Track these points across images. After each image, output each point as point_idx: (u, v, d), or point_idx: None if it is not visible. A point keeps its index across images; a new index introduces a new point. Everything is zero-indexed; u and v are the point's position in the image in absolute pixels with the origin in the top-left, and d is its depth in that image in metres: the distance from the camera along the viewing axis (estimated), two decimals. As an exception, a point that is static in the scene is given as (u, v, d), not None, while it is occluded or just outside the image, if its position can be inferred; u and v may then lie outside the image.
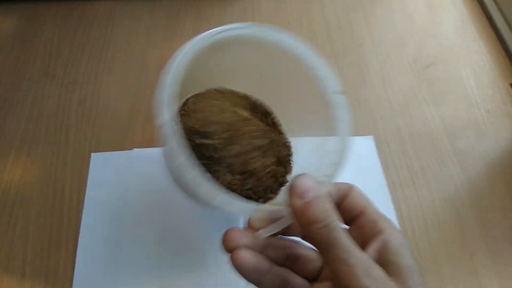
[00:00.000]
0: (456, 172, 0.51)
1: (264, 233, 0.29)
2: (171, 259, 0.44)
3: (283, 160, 0.41)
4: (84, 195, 0.47)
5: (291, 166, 0.42)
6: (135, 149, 0.51)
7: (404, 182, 0.50)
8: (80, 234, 0.45)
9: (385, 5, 0.68)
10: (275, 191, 0.40)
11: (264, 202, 0.39)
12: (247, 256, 0.28)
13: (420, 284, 0.26)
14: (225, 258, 0.44)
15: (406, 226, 0.47)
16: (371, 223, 0.29)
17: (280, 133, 0.43)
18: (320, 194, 0.26)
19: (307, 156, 0.40)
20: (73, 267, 0.43)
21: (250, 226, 0.30)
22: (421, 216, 0.48)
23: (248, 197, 0.38)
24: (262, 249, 0.29)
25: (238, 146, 0.38)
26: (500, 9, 0.67)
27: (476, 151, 0.53)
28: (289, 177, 0.41)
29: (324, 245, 0.26)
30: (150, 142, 0.51)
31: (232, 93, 0.43)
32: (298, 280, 0.30)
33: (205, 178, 0.28)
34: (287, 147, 0.43)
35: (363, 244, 0.28)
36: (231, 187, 0.37)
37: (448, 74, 0.60)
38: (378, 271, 0.25)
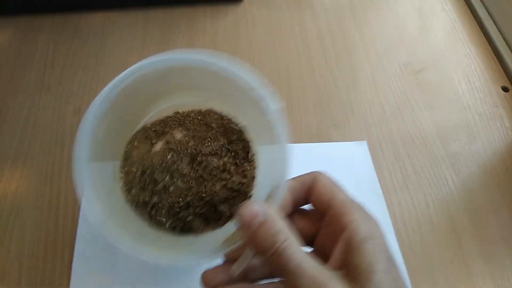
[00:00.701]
0: (449, 175, 0.51)
1: (237, 269, 0.29)
2: (168, 269, 0.44)
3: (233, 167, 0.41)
4: (79, 205, 0.48)
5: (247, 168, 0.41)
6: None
7: (398, 186, 0.50)
8: (76, 245, 0.45)
9: (376, 12, 0.69)
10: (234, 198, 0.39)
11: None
12: None
13: (385, 283, 0.24)
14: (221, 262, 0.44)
15: (400, 229, 0.47)
16: (336, 219, 0.28)
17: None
18: (265, 216, 0.26)
19: (264, 163, 0.40)
20: (69, 278, 0.43)
21: (225, 257, 0.31)
22: (415, 219, 0.48)
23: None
24: (244, 276, 0.30)
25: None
26: (490, 14, 0.67)
27: (468, 154, 0.53)
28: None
29: (279, 272, 0.26)
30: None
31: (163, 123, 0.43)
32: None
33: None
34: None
35: (333, 242, 0.27)
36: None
37: (440, 78, 0.61)
38: None
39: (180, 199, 0.38)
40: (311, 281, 0.24)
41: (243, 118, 0.43)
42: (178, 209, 0.38)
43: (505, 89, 0.60)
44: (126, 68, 0.59)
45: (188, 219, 0.38)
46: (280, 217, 0.27)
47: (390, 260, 0.26)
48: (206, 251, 0.31)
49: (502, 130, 0.55)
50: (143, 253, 0.31)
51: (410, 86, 0.60)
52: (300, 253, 0.25)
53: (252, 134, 0.42)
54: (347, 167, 0.52)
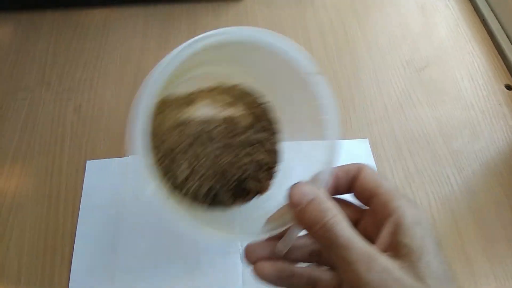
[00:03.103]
0: (451, 173, 0.51)
1: (283, 248, 0.30)
2: (167, 265, 0.44)
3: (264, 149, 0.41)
4: (79, 202, 0.47)
5: (276, 152, 0.41)
6: (130, 156, 0.51)
7: (400, 184, 0.50)
8: (76, 242, 0.45)
9: (379, 8, 0.68)
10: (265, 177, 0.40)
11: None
12: (267, 268, 0.29)
13: (434, 264, 0.25)
14: (219, 262, 0.44)
15: (402, 228, 0.47)
16: (383, 205, 0.28)
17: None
18: (315, 196, 0.27)
19: (298, 160, 0.40)
20: (69, 275, 0.43)
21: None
22: (417, 218, 0.48)
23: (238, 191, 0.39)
24: (285, 255, 0.30)
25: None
26: (493, 11, 0.67)
27: (471, 152, 0.53)
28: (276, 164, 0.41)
29: (326, 246, 0.26)
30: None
31: (201, 93, 0.42)
32: (324, 274, 0.31)
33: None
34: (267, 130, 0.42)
35: (378, 228, 0.28)
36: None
37: (443, 76, 0.60)
38: (380, 263, 0.24)
39: (211, 171, 0.38)
40: (362, 254, 0.24)
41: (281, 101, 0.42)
42: (210, 182, 0.38)
43: (508, 87, 0.59)
44: (127, 65, 0.59)
45: (219, 192, 0.38)
46: (329, 198, 0.27)
47: (438, 245, 0.26)
48: (256, 230, 0.31)
49: (505, 128, 0.55)
50: (203, 230, 0.30)
51: (413, 83, 0.59)
52: (349, 228, 0.25)
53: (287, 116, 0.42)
54: (348, 165, 0.51)
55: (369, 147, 0.53)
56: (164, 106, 0.41)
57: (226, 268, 0.44)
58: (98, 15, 0.66)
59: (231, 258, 0.44)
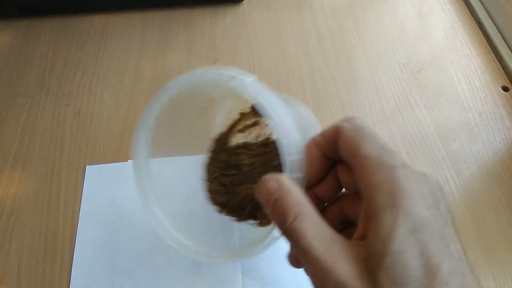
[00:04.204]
0: (450, 175, 0.51)
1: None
2: (167, 269, 0.44)
3: None
4: (79, 207, 0.47)
5: None
6: (130, 161, 0.51)
7: (399, 186, 0.50)
8: (76, 246, 0.45)
9: (375, 12, 0.69)
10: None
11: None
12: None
13: (399, 266, 0.20)
14: (219, 265, 0.44)
15: (401, 230, 0.47)
16: (360, 180, 0.24)
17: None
18: (277, 195, 0.24)
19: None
20: (69, 280, 0.43)
21: None
22: (416, 220, 0.48)
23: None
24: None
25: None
26: (489, 13, 0.67)
27: (469, 154, 0.53)
28: None
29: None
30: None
31: None
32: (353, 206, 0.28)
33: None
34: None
35: (357, 210, 0.25)
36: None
37: (440, 78, 0.61)
38: (333, 277, 0.21)
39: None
40: (318, 268, 0.21)
41: None
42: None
43: (505, 88, 0.59)
44: (126, 70, 0.60)
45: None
46: (294, 187, 0.25)
47: (416, 232, 0.20)
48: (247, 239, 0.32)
49: (503, 130, 0.55)
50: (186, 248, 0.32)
51: (410, 86, 0.60)
52: (310, 231, 0.22)
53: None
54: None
55: (368, 150, 0.53)
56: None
57: (226, 271, 0.44)
58: (96, 20, 0.66)
59: (231, 262, 0.45)
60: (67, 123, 0.54)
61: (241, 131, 0.45)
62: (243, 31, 0.65)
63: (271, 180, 0.25)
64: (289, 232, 0.23)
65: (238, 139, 0.44)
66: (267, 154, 0.41)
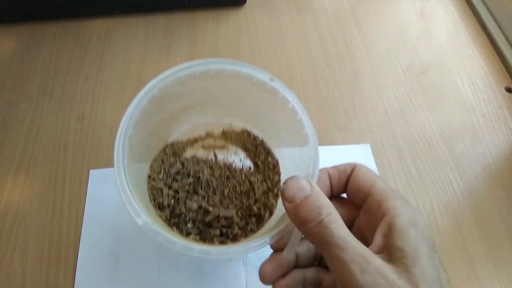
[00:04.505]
0: (453, 177, 0.51)
1: (288, 254, 0.30)
2: (170, 274, 0.44)
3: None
4: (83, 211, 0.48)
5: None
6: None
7: (402, 189, 0.50)
8: (80, 251, 0.45)
9: (377, 14, 0.69)
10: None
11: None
12: (285, 282, 0.30)
13: (428, 269, 0.24)
14: (223, 270, 0.44)
15: (405, 233, 0.47)
16: (377, 205, 0.28)
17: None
18: (309, 192, 0.26)
19: (290, 163, 0.42)
20: (73, 284, 0.43)
21: (273, 249, 0.32)
22: (420, 222, 0.48)
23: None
24: (293, 263, 0.31)
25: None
26: (492, 15, 0.67)
27: (473, 156, 0.53)
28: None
29: (320, 244, 0.25)
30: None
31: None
32: (327, 275, 0.31)
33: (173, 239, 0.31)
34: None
35: (372, 229, 0.27)
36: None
37: (443, 80, 0.60)
38: (374, 265, 0.24)
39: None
40: (357, 255, 0.24)
41: (263, 124, 0.46)
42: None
43: (509, 90, 0.59)
44: (128, 75, 0.60)
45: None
46: (323, 194, 0.27)
47: (432, 248, 0.26)
48: (255, 240, 0.32)
49: (506, 131, 0.55)
50: (195, 249, 0.31)
51: (413, 88, 0.59)
52: (344, 228, 0.25)
53: (273, 137, 0.46)
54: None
55: (371, 152, 0.53)
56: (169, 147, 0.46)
57: (230, 276, 0.44)
58: (99, 25, 0.66)
59: (235, 266, 0.44)
60: (70, 128, 0.54)
61: (204, 148, 0.47)
62: (245, 35, 0.66)
63: (303, 179, 0.27)
64: (323, 225, 0.25)
65: (195, 153, 0.47)
66: (231, 178, 0.44)
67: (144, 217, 0.32)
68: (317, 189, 0.27)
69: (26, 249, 0.45)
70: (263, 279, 0.30)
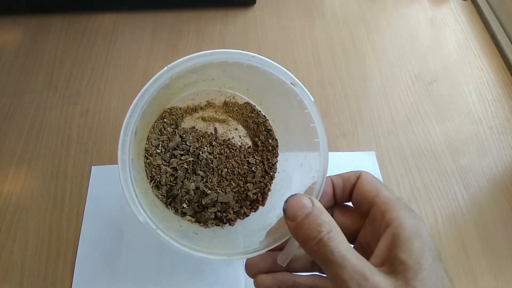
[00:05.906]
0: (458, 189, 0.51)
1: (282, 261, 0.30)
2: (170, 273, 0.44)
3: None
4: (84, 207, 0.47)
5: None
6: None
7: (406, 198, 0.50)
8: (79, 246, 0.45)
9: (388, 21, 0.68)
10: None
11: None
12: (268, 281, 0.30)
13: (431, 281, 0.24)
14: (222, 271, 0.44)
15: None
16: (381, 215, 0.27)
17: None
18: (310, 210, 0.26)
19: (294, 169, 0.41)
20: (71, 279, 0.43)
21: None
22: (423, 233, 0.47)
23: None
24: (286, 266, 0.31)
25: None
26: (502, 26, 0.67)
27: (478, 168, 0.53)
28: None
29: (321, 262, 0.25)
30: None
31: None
32: (326, 283, 0.31)
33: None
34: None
35: (376, 239, 0.27)
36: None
37: (451, 90, 0.60)
38: (372, 282, 0.24)
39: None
40: (355, 273, 0.24)
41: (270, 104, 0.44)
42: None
43: (517, 103, 0.59)
44: (134, 70, 0.59)
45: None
46: (323, 208, 0.27)
47: (436, 259, 0.25)
48: (252, 245, 0.32)
49: (513, 144, 0.55)
50: (197, 252, 0.31)
51: (421, 97, 0.59)
52: (345, 244, 0.25)
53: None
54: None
55: (376, 160, 0.52)
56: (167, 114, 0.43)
57: (229, 277, 0.44)
58: (106, 20, 0.66)
59: (234, 268, 0.44)
60: (74, 123, 0.54)
61: (204, 120, 0.45)
62: (253, 35, 0.65)
63: (304, 197, 0.27)
64: (323, 243, 0.25)
65: (194, 124, 0.45)
66: (231, 158, 0.43)
67: (146, 218, 0.32)
68: (319, 205, 0.27)
69: (25, 242, 0.45)
70: (249, 269, 0.31)
